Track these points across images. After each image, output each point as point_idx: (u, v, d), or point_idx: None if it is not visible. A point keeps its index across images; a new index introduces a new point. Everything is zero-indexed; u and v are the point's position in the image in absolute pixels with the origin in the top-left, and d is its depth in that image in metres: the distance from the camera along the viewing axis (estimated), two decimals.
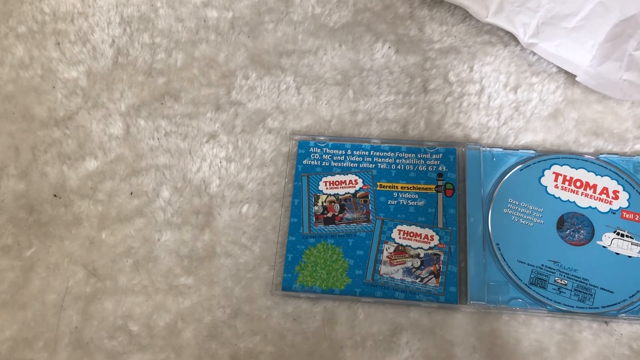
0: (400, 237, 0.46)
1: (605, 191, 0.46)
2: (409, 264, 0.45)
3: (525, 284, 0.43)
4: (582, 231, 0.45)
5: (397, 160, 0.49)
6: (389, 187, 0.48)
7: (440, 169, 0.48)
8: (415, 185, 0.48)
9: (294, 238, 0.47)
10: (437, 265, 0.45)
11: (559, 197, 0.46)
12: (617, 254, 0.44)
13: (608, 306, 0.42)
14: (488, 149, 0.49)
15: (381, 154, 0.49)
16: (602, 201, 0.46)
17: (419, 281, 0.45)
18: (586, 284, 0.43)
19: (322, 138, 0.51)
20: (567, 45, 0.48)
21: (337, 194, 0.48)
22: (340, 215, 0.48)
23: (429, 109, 0.52)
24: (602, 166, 0.47)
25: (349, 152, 0.50)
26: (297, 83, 0.54)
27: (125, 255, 0.48)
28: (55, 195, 0.50)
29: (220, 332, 0.45)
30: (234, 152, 0.51)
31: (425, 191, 0.48)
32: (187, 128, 0.52)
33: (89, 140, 0.52)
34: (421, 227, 0.46)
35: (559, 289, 0.43)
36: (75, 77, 0.55)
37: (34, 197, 0.50)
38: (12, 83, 0.55)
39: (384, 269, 0.45)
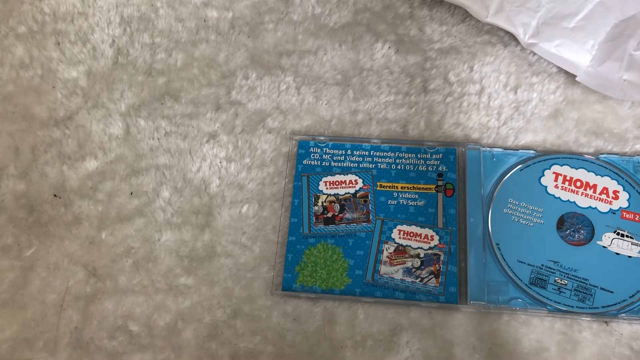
0: (400, 237, 0.46)
1: (605, 191, 0.46)
2: (409, 264, 0.45)
3: (525, 284, 0.43)
4: (582, 231, 0.45)
5: (397, 160, 0.49)
6: (389, 187, 0.48)
7: (440, 169, 0.48)
8: (415, 185, 0.48)
9: (294, 238, 0.47)
10: (437, 265, 0.45)
11: (559, 197, 0.46)
12: (617, 254, 0.44)
13: (608, 306, 0.42)
14: (488, 149, 0.49)
15: (381, 154, 0.49)
16: (602, 201, 0.46)
17: (419, 281, 0.45)
18: (586, 284, 0.43)
19: (322, 138, 0.51)
20: (567, 45, 0.48)
21: (337, 194, 0.48)
22: (340, 215, 0.48)
23: (429, 109, 0.52)
24: (602, 166, 0.47)
25: (349, 152, 0.50)
26: (297, 83, 0.54)
27: (125, 255, 0.48)
28: (55, 195, 0.50)
29: (220, 332, 0.45)
30: (234, 152, 0.51)
31: (425, 191, 0.48)
32: (187, 128, 0.52)
33: (89, 140, 0.52)
34: (421, 227, 0.46)
35: (559, 289, 0.43)
36: (75, 77, 0.55)
37: (34, 197, 0.50)
38: (12, 83, 0.55)
39: (384, 269, 0.45)
